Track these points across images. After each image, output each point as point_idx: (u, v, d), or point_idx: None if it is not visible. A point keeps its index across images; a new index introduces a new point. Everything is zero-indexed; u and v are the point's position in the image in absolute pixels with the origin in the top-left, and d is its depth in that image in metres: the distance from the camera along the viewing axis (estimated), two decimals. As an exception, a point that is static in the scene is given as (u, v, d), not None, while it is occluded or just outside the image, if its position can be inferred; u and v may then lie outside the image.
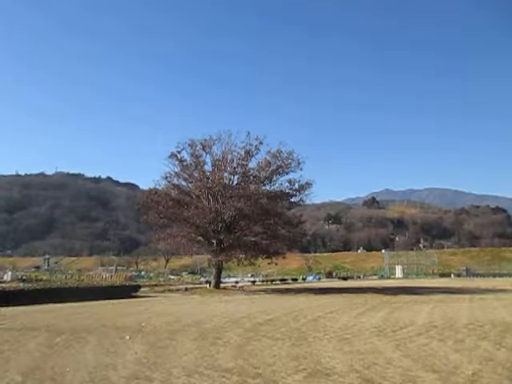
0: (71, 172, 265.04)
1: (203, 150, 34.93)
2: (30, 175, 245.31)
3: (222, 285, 37.26)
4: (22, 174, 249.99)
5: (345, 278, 69.88)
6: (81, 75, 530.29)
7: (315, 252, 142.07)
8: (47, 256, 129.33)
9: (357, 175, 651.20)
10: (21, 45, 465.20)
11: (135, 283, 34.47)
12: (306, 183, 35.34)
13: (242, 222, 33.96)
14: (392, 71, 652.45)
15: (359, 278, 74.95)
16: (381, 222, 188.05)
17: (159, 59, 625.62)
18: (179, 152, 34.83)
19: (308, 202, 37.81)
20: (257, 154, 34.67)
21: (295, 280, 59.70)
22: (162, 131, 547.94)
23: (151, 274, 74.92)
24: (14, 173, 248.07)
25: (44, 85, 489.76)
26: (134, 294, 27.22)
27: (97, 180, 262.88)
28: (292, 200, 37.20)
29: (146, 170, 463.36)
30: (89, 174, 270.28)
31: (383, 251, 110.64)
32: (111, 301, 22.57)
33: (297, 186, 35.40)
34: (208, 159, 35.26)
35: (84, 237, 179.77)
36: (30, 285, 29.79)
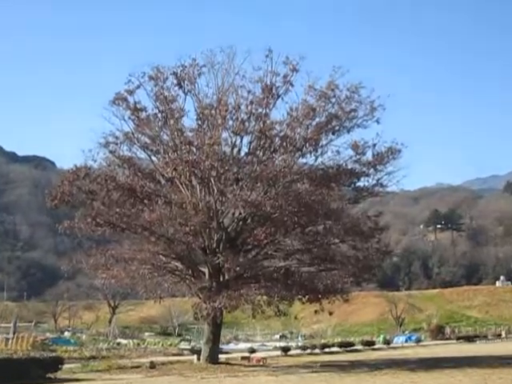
0: None
1: (179, 86, 34.89)
2: None
3: (222, 356, 37.41)
4: None
5: (470, 339, 69.24)
6: None
7: (409, 288, 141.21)
8: None
9: (492, 138, 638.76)
10: None
11: (53, 354, 34.61)
12: (390, 150, 35.21)
13: (259, 229, 33.84)
14: None
15: (499, 336, 74.23)
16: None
17: None
18: (132, 92, 34.91)
19: (393, 187, 37.77)
20: (287, 92, 34.55)
21: (370, 345, 59.42)
22: (104, 54, 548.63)
23: (83, 336, 75.67)
24: None
25: None
26: (50, 374, 27.38)
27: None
28: (360, 185, 36.97)
29: (68, 133, 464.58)
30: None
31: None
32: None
33: (370, 155, 35.30)
34: (190, 105, 35.33)
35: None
36: None
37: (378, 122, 34.81)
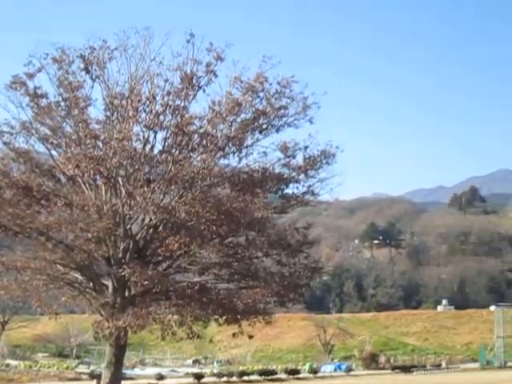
0: None
1: (86, 71, 34.25)
2: None
3: (126, 382, 37.07)
4: None
5: (406, 369, 70.38)
6: None
7: (340, 311, 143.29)
8: None
9: (440, 146, 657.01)
10: None
11: None
12: (323, 154, 35.13)
13: (171, 238, 33.44)
14: None
15: (439, 367, 75.77)
16: (489, 244, 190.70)
17: None
18: (32, 76, 33.99)
19: (326, 196, 37.22)
20: (210, 83, 34.16)
21: (295, 373, 59.95)
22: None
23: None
24: None
25: None
26: None
27: None
28: (289, 192, 37.11)
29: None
30: None
31: (492, 308, 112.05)
32: None
33: (301, 158, 35.22)
34: (98, 93, 34.69)
35: None
36: None
37: (310, 121, 34.54)
